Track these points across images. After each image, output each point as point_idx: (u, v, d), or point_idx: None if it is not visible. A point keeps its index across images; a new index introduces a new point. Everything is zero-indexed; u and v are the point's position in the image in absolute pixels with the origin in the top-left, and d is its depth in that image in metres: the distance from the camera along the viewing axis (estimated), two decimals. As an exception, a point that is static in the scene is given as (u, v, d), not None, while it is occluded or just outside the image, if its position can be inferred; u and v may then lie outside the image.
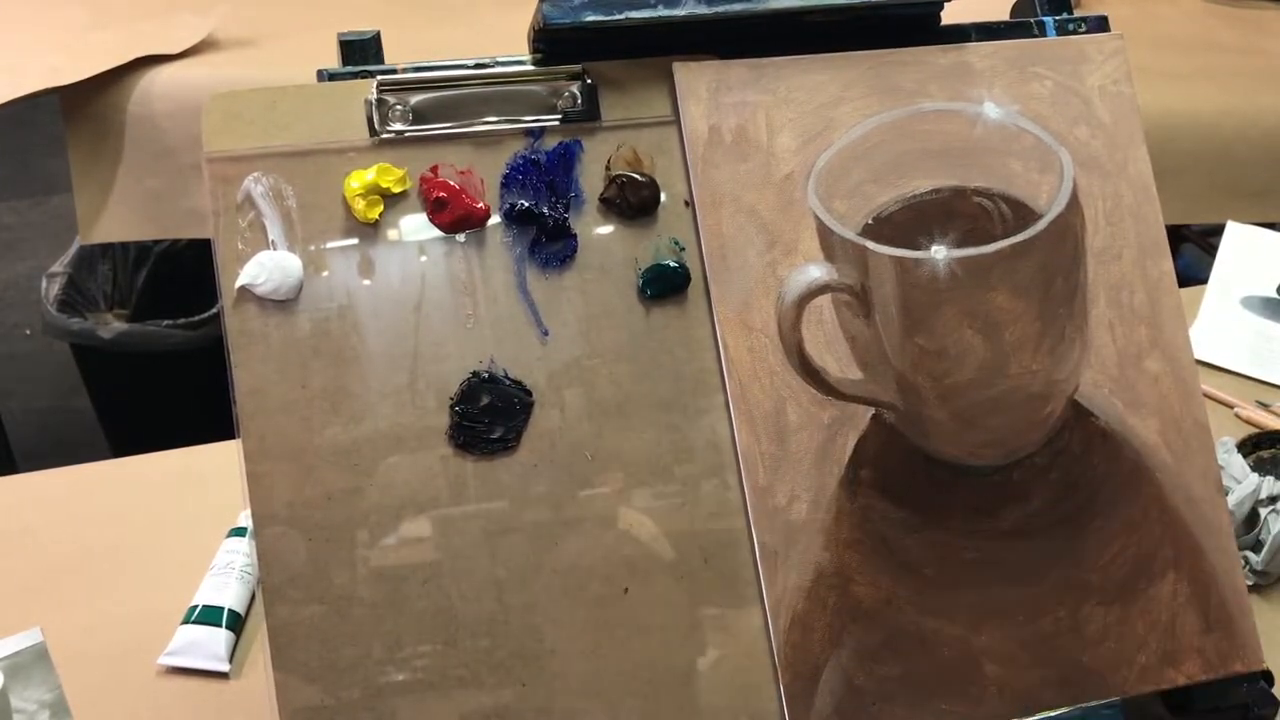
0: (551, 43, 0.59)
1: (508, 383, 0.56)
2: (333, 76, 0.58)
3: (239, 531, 0.79)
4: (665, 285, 0.58)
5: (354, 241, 0.56)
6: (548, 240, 0.58)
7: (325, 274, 0.56)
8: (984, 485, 0.60)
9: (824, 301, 0.59)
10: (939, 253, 0.59)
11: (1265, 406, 0.98)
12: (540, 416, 0.57)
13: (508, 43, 0.64)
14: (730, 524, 0.57)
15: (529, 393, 0.56)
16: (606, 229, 0.59)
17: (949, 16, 0.64)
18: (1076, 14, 0.66)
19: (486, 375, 0.56)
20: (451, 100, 0.58)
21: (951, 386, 0.59)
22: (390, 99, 0.57)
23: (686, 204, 0.59)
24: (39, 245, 2.39)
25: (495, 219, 0.58)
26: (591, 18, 0.56)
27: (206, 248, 0.57)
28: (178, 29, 1.32)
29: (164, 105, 1.26)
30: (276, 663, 0.53)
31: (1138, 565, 0.60)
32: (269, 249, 0.55)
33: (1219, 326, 1.07)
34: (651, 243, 0.59)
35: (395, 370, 0.55)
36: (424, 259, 0.57)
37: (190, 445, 0.90)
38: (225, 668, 0.71)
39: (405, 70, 0.58)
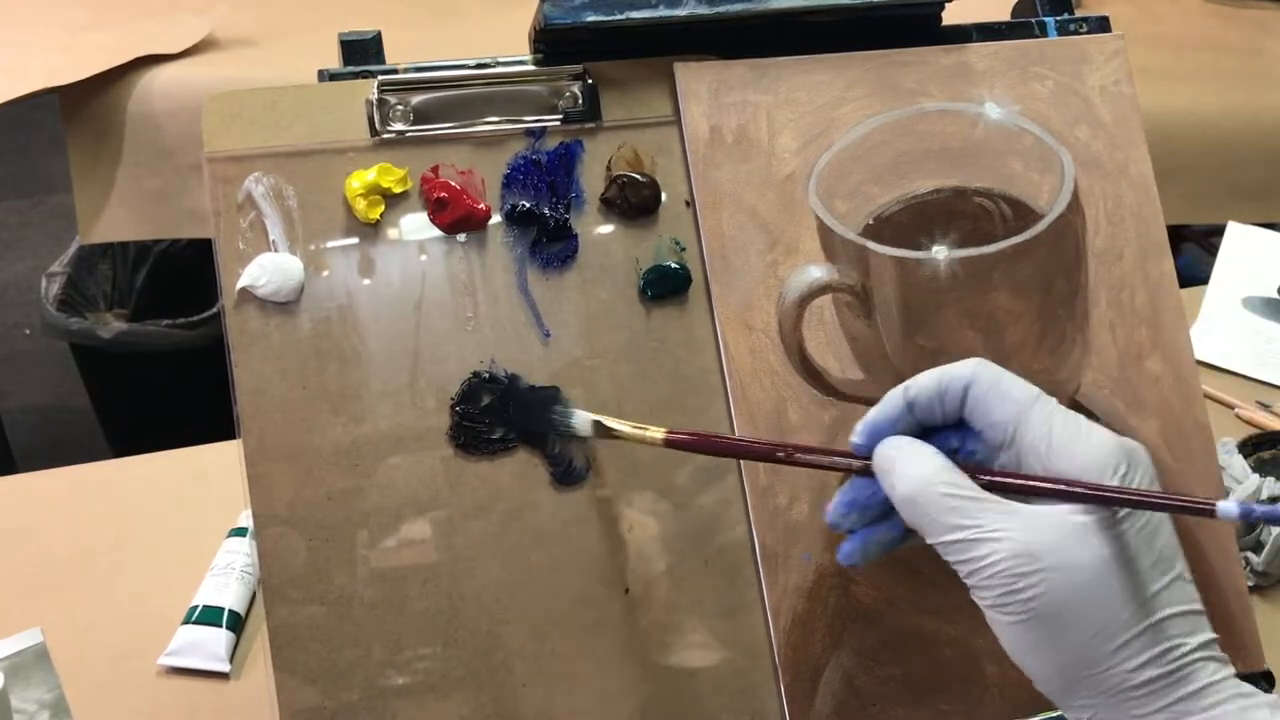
0: (552, 43, 0.59)
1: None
2: (333, 76, 0.58)
3: (239, 531, 0.79)
4: (666, 286, 0.58)
5: (355, 241, 0.56)
6: (548, 240, 0.58)
7: (326, 274, 0.56)
8: (985, 485, 0.60)
9: (825, 302, 0.59)
10: (940, 253, 0.59)
11: (1266, 407, 0.98)
12: (541, 417, 0.57)
13: (508, 43, 0.64)
14: (730, 524, 0.57)
15: (529, 393, 0.56)
16: (607, 229, 0.59)
17: (949, 16, 0.64)
18: (1077, 14, 0.66)
19: (487, 375, 0.56)
20: (452, 100, 0.58)
21: (952, 387, 0.59)
22: (391, 99, 0.57)
23: (687, 204, 0.59)
24: (39, 245, 2.39)
25: (496, 219, 0.58)
26: (592, 18, 0.56)
27: (206, 248, 0.57)
28: (178, 29, 1.32)
29: (164, 105, 1.26)
30: (276, 663, 0.53)
31: (1138, 566, 0.60)
32: (270, 249, 0.55)
33: (1219, 327, 1.07)
34: (652, 243, 0.59)
35: (396, 370, 0.55)
36: (425, 259, 0.57)
37: (190, 445, 0.90)
38: (225, 668, 0.71)
39: (406, 70, 0.58)
